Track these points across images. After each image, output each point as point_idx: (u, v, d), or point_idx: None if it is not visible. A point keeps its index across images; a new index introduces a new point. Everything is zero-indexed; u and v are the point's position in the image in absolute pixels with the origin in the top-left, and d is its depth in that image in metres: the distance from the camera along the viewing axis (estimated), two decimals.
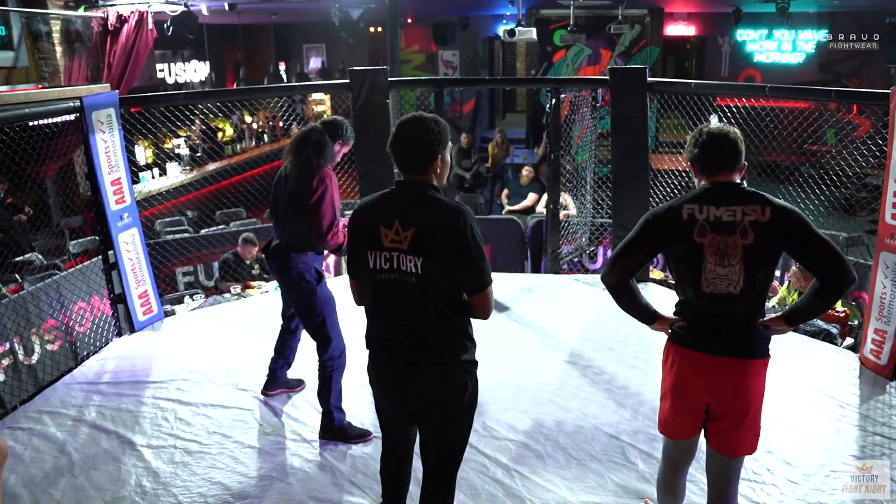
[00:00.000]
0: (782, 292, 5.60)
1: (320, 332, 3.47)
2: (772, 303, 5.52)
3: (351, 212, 2.42)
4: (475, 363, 2.34)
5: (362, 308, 2.42)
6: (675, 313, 2.45)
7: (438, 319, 2.25)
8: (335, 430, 3.55)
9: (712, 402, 2.36)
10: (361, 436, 3.54)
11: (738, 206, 2.25)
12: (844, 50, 13.51)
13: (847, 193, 7.17)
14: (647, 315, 2.51)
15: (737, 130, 2.36)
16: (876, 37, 13.02)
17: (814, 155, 7.75)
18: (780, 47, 13.97)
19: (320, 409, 3.58)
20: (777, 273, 6.48)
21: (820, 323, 4.77)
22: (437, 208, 2.23)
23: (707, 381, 2.34)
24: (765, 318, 2.37)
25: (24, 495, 3.17)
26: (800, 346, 4.52)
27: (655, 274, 5.96)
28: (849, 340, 4.86)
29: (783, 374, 4.15)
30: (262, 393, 3.99)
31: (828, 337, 4.68)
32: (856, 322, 5.11)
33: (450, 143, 2.35)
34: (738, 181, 2.34)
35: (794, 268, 5.50)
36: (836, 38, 13.34)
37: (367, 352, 2.43)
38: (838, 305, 5.10)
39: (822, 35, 13.56)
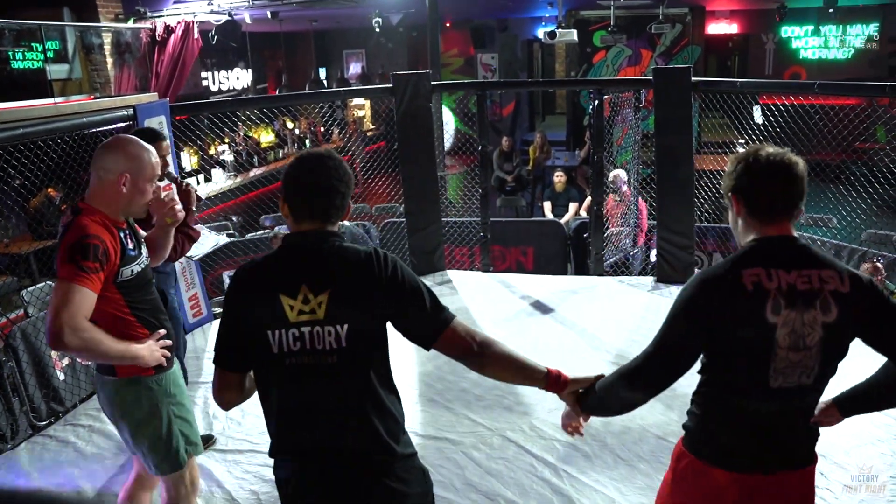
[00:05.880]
0: None
1: None
2: None
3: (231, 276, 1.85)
4: (416, 452, 1.87)
5: None
6: (698, 422, 1.81)
7: (374, 406, 1.75)
8: None
9: None
10: None
11: (812, 269, 1.64)
12: None
13: None
14: None
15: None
16: None
17: (864, 153, 7.56)
18: (826, 43, 13.65)
19: None
20: None
21: None
22: (351, 256, 1.76)
23: None
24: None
25: (87, 488, 3.32)
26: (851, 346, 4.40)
27: None
28: None
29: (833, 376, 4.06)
30: None
31: None
32: None
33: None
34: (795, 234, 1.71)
35: None
36: (888, 31, 12.99)
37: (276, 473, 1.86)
38: None
39: (871, 29, 13.20)
